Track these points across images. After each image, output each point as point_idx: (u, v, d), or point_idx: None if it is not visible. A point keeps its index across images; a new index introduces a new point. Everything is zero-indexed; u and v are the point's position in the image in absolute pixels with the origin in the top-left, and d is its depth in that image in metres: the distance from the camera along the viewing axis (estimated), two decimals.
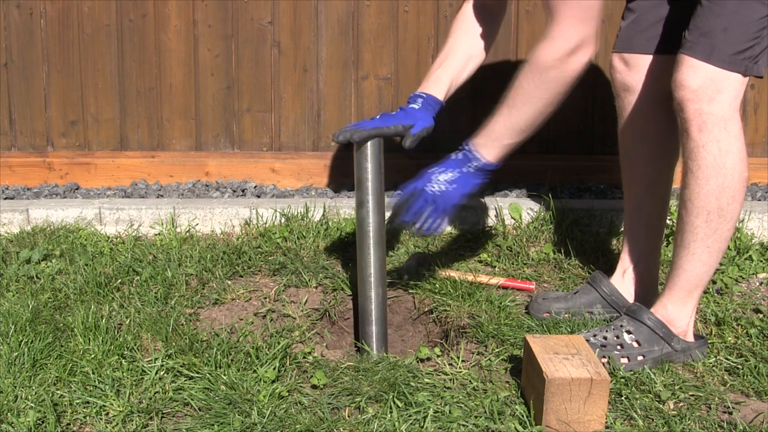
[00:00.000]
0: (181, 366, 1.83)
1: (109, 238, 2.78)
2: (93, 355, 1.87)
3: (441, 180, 1.92)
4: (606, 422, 1.60)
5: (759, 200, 3.12)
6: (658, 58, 2.02)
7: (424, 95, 2.05)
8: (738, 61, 1.76)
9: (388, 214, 2.03)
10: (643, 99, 2.06)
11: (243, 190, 3.29)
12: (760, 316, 2.14)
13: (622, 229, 2.39)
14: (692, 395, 1.74)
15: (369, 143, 1.95)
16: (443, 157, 1.98)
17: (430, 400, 1.68)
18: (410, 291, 2.29)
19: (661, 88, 2.04)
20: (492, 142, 1.92)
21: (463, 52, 2.11)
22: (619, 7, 2.16)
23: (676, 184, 2.04)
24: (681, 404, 1.71)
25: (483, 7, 2.13)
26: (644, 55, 2.04)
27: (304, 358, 1.90)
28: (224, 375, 1.78)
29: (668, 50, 1.98)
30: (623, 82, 2.08)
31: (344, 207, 2.88)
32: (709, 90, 1.76)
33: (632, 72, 2.05)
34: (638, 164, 2.13)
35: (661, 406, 1.69)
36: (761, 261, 2.51)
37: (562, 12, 1.80)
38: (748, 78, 1.79)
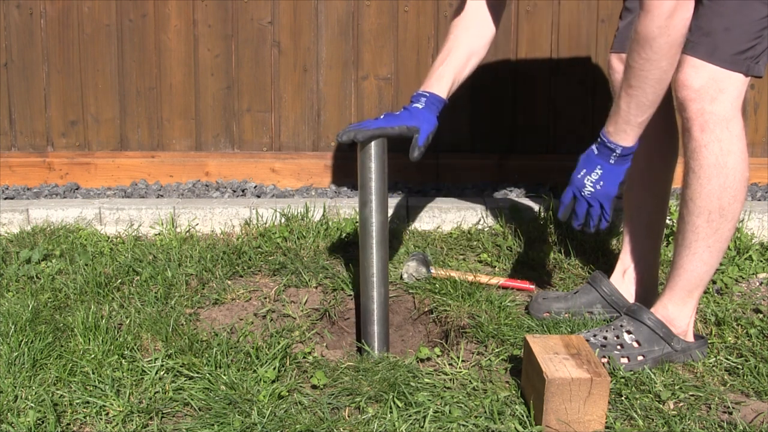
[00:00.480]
0: (181, 366, 1.83)
1: (109, 238, 2.78)
2: (93, 355, 1.87)
3: (591, 181, 1.90)
4: (606, 422, 1.60)
5: (759, 200, 3.12)
6: None
7: (427, 94, 2.04)
8: (740, 61, 1.76)
9: (390, 212, 2.02)
10: None
11: (243, 190, 3.29)
12: (760, 316, 2.14)
13: (622, 229, 2.39)
14: (692, 395, 1.74)
15: (373, 143, 1.95)
16: (583, 151, 1.94)
17: (430, 400, 1.68)
18: (410, 291, 2.29)
19: None
20: (624, 126, 1.85)
21: (465, 49, 2.11)
22: (618, 7, 2.16)
23: (676, 184, 2.04)
24: (681, 404, 1.70)
25: (484, 4, 2.13)
26: None
27: (304, 358, 1.90)
28: (224, 375, 1.78)
29: None
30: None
31: (344, 207, 2.88)
32: (711, 90, 1.76)
33: None
34: (637, 164, 2.13)
35: (661, 406, 1.69)
36: (761, 261, 2.51)
37: None
38: (749, 78, 1.79)
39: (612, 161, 1.88)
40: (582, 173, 1.91)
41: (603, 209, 1.91)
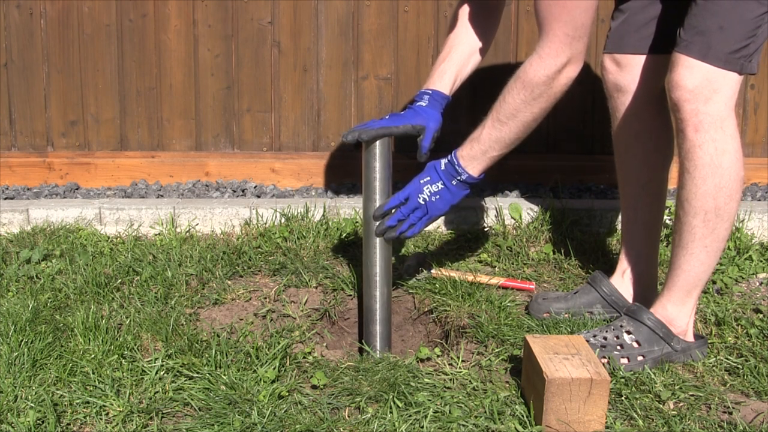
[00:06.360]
0: (181, 366, 1.83)
1: (109, 238, 2.78)
2: (93, 355, 1.87)
3: (430, 191, 1.96)
4: (606, 422, 1.60)
5: (759, 200, 3.12)
6: (650, 58, 2.02)
7: (430, 91, 2.05)
8: (734, 60, 1.76)
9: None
10: (635, 99, 2.06)
11: (243, 190, 3.29)
12: (760, 316, 2.14)
13: (621, 229, 2.39)
14: (692, 395, 1.74)
15: (378, 143, 1.95)
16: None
17: (430, 400, 1.68)
18: (410, 291, 2.29)
19: (654, 88, 2.04)
20: (479, 156, 1.94)
21: (466, 46, 2.12)
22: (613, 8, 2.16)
23: (673, 184, 2.05)
24: (681, 404, 1.71)
25: (482, 3, 2.13)
26: (636, 55, 2.04)
27: (304, 358, 1.90)
28: (224, 375, 1.79)
29: (659, 50, 1.98)
30: (615, 83, 2.08)
31: (344, 207, 2.88)
32: (706, 90, 1.76)
33: (624, 72, 2.05)
34: (633, 164, 2.13)
35: (661, 406, 1.69)
36: (761, 261, 2.51)
37: (555, 30, 1.82)
38: (743, 77, 1.79)
39: (453, 183, 1.96)
40: (425, 180, 1.97)
41: (423, 221, 1.98)
